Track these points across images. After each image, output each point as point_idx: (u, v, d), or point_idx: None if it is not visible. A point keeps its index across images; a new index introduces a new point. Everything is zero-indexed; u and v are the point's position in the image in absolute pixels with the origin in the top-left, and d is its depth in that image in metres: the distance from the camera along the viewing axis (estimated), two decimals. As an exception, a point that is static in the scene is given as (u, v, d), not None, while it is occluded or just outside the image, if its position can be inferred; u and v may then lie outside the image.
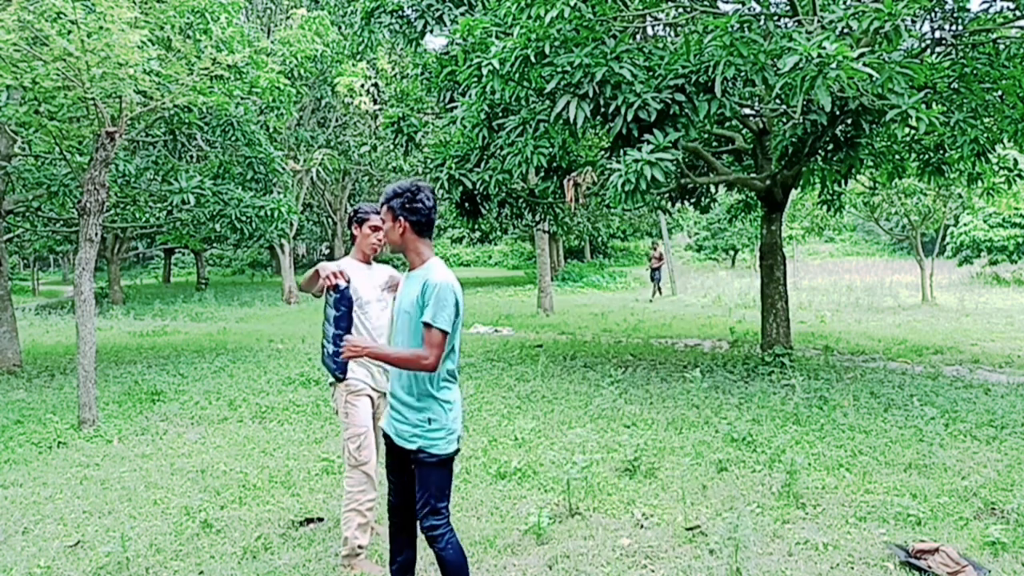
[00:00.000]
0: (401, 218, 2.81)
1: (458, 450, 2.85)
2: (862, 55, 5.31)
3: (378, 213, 3.70)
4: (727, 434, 5.53)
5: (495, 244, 43.38)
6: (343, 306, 3.37)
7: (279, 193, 11.17)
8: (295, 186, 19.57)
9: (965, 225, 23.80)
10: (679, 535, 3.83)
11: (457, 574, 2.77)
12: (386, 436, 2.94)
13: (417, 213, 2.81)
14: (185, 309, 19.67)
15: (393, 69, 12.63)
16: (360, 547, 3.50)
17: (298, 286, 3.74)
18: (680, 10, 7.20)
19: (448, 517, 2.81)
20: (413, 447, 2.78)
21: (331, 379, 3.64)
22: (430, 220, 2.84)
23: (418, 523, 2.83)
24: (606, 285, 28.00)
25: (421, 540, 2.95)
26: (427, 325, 2.68)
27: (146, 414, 6.82)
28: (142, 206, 10.48)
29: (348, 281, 3.43)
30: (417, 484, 2.82)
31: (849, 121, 7.34)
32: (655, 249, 21.40)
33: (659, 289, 21.33)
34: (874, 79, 5.24)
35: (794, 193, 12.29)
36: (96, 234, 6.41)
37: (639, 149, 5.94)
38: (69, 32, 5.71)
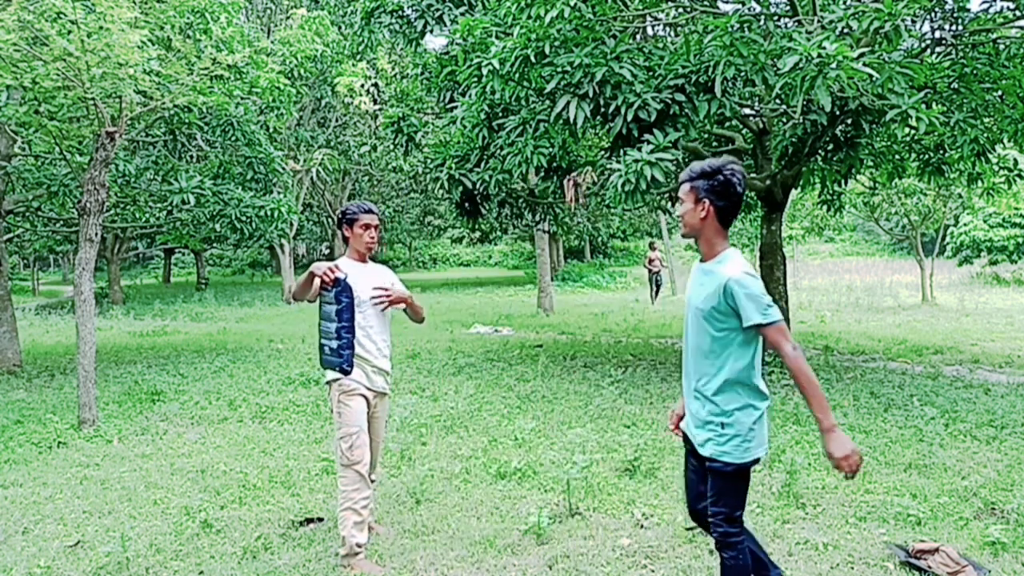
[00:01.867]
0: (707, 201, 2.54)
1: (757, 459, 2.57)
2: (862, 55, 5.31)
3: (368, 212, 3.70)
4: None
5: (495, 244, 43.40)
6: (345, 297, 3.38)
7: (279, 193, 11.17)
8: (295, 186, 19.57)
9: (965, 225, 23.79)
10: (679, 535, 3.83)
11: None
12: (685, 437, 2.78)
13: (727, 198, 2.53)
14: (185, 309, 19.67)
15: (393, 69, 12.63)
16: (358, 545, 3.50)
17: (291, 294, 3.70)
18: (680, 10, 7.19)
19: (743, 526, 2.62)
20: (705, 453, 2.59)
21: (327, 379, 3.66)
22: (738, 207, 2.57)
23: (710, 524, 2.65)
24: (606, 285, 28.01)
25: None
26: (758, 326, 2.45)
27: (146, 414, 6.82)
28: (142, 206, 10.48)
29: (345, 275, 3.45)
30: (709, 488, 2.64)
31: (849, 121, 7.33)
32: (653, 250, 19.96)
33: (655, 290, 19.57)
34: (874, 79, 5.24)
35: (794, 193, 12.29)
36: (96, 234, 6.41)
37: (639, 149, 5.94)
38: (69, 32, 5.71)
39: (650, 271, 19.53)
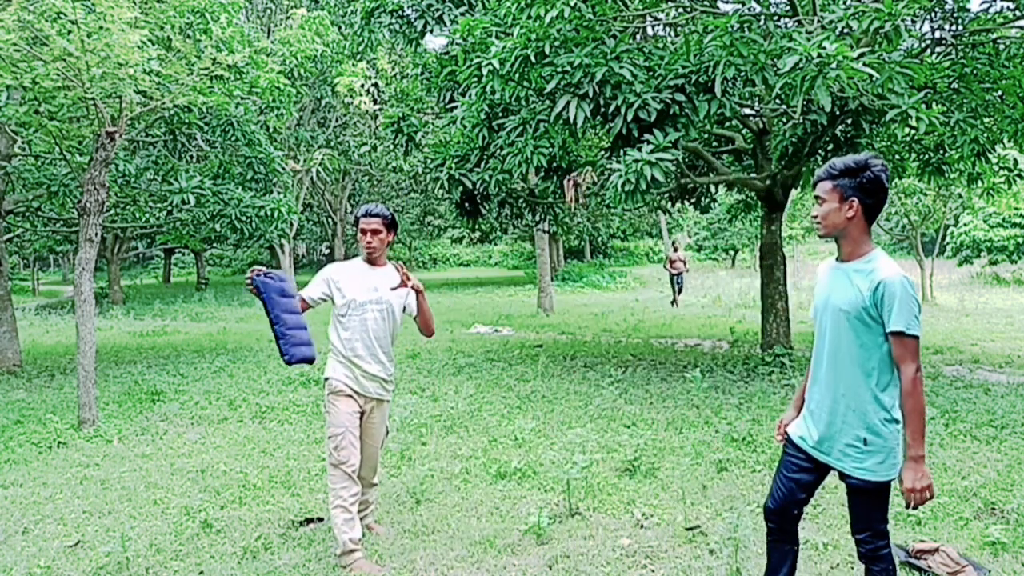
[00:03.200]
0: (855, 199, 2.42)
1: (897, 477, 2.47)
2: (862, 55, 5.32)
3: (366, 215, 3.68)
4: (727, 434, 5.53)
5: (495, 244, 43.40)
6: (261, 293, 3.46)
7: (279, 193, 11.17)
8: (295, 186, 19.57)
9: (965, 225, 23.79)
10: (679, 535, 3.83)
11: None
12: (792, 443, 2.69)
13: (875, 195, 2.42)
14: (185, 309, 19.67)
15: (393, 69, 12.63)
16: (352, 541, 3.50)
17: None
18: (680, 10, 7.20)
19: (889, 537, 2.56)
20: (845, 471, 2.49)
21: (324, 377, 3.69)
22: (883, 204, 2.47)
23: (857, 540, 2.56)
24: (606, 285, 27.99)
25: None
26: (900, 334, 2.33)
27: (146, 414, 6.82)
28: (142, 206, 10.48)
29: (261, 273, 3.47)
30: (850, 506, 2.57)
31: (849, 121, 7.34)
32: (676, 249, 18.80)
33: (678, 293, 18.44)
34: (874, 79, 5.24)
35: (794, 193, 12.30)
36: (96, 234, 6.41)
37: (639, 149, 5.94)
38: (69, 32, 5.71)
39: (672, 272, 18.41)
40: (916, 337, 2.35)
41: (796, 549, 2.78)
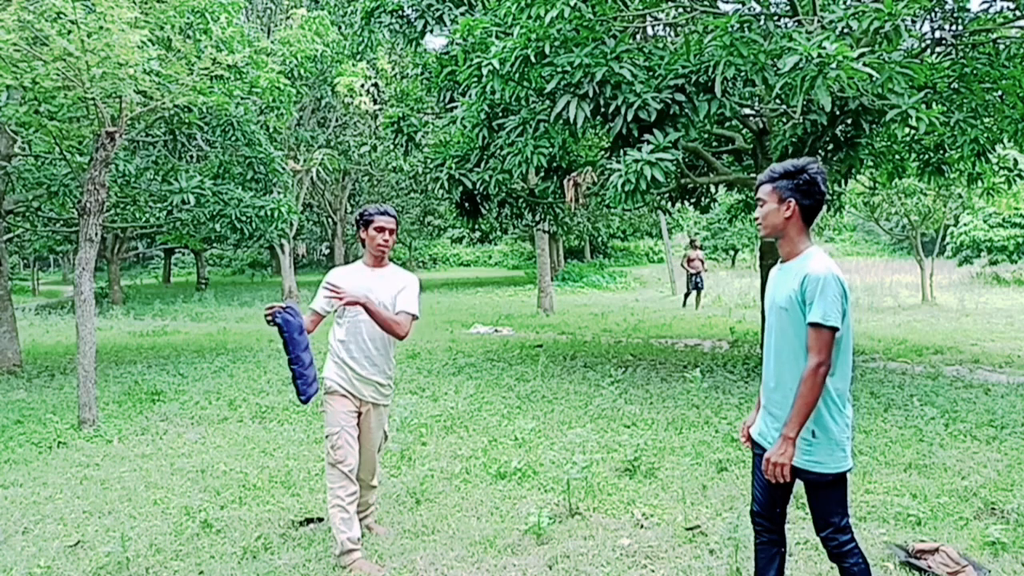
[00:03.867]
0: (792, 200, 2.53)
1: (850, 468, 2.55)
2: (862, 55, 5.31)
3: (384, 214, 3.68)
4: (727, 434, 5.53)
5: (495, 244, 43.37)
6: (284, 332, 3.40)
7: (279, 193, 11.16)
8: (295, 186, 19.56)
9: (965, 225, 23.78)
10: (679, 535, 3.83)
11: None
12: (756, 444, 2.74)
13: (812, 196, 2.53)
14: (185, 309, 19.66)
15: (393, 69, 12.63)
16: (350, 540, 3.50)
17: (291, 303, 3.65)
18: (680, 10, 7.20)
19: (852, 531, 2.58)
20: (796, 464, 2.51)
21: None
22: (821, 206, 2.57)
23: (823, 543, 2.60)
24: (606, 285, 27.99)
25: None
26: (816, 325, 2.40)
27: (146, 414, 6.82)
28: (142, 206, 10.48)
29: (284, 308, 3.42)
30: (809, 503, 2.61)
31: (849, 121, 7.33)
32: (694, 248, 17.76)
33: (695, 295, 17.60)
34: (874, 79, 5.24)
35: (794, 193, 12.26)
36: (96, 234, 6.41)
37: (639, 149, 5.94)
38: (69, 32, 5.71)
39: (690, 271, 17.49)
40: (832, 330, 2.40)
41: (783, 551, 2.79)
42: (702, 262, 17.62)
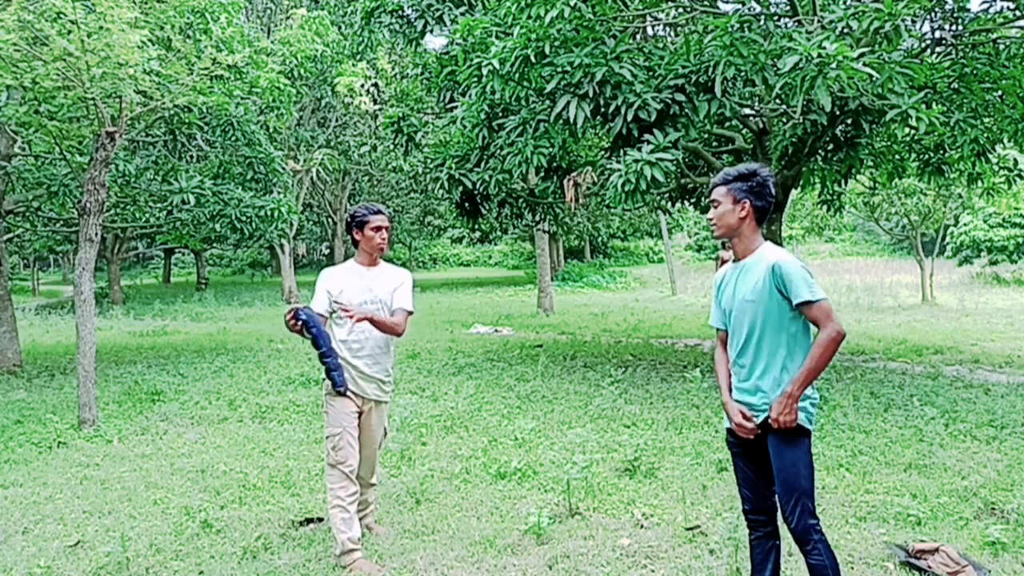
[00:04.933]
0: (746, 201, 2.70)
1: (811, 431, 2.67)
2: (862, 55, 5.31)
3: (377, 213, 3.67)
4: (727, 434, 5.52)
5: (495, 244, 43.39)
6: (311, 331, 3.39)
7: (279, 193, 11.18)
8: (295, 186, 19.57)
9: (965, 225, 23.80)
10: (679, 535, 3.83)
11: None
12: (734, 437, 2.80)
13: (763, 198, 2.71)
14: (185, 309, 19.67)
15: (393, 69, 12.64)
16: (351, 540, 3.50)
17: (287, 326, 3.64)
18: (680, 10, 7.20)
19: (818, 518, 2.64)
20: (770, 421, 2.61)
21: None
22: (771, 207, 2.75)
23: (788, 523, 2.63)
24: (606, 285, 28.01)
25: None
26: (808, 303, 2.55)
27: (146, 414, 6.82)
28: (142, 206, 10.49)
29: (304, 307, 3.41)
30: (778, 480, 2.64)
31: (849, 121, 7.34)
32: (727, 251, 18.88)
33: None
34: (874, 79, 5.24)
35: (794, 193, 12.29)
36: (96, 234, 6.41)
37: (639, 149, 5.94)
38: (69, 32, 5.71)
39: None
40: (823, 299, 2.56)
41: (778, 543, 2.86)
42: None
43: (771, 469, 2.71)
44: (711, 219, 2.79)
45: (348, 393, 3.60)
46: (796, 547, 2.74)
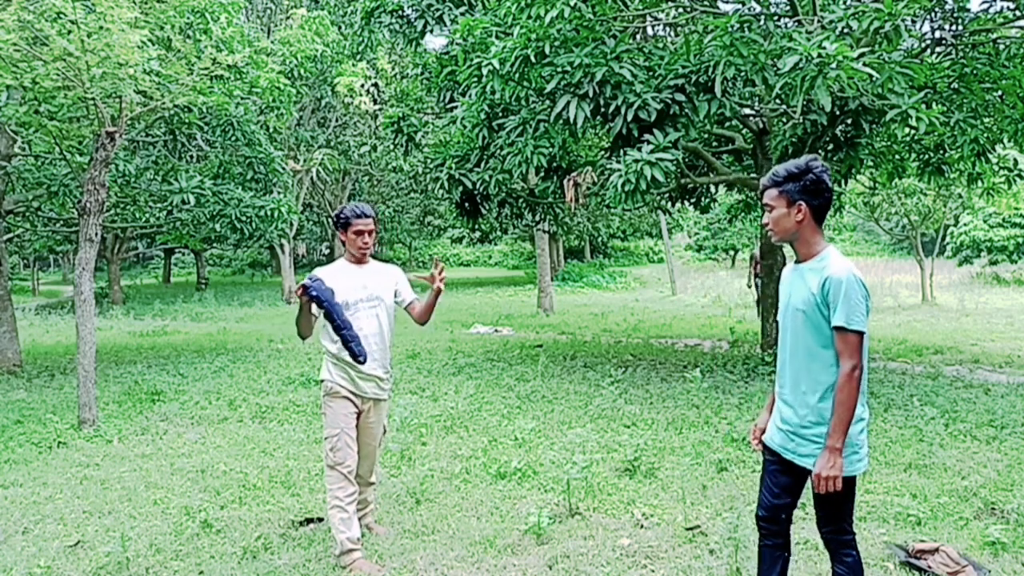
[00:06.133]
0: (801, 203, 2.46)
1: (864, 471, 2.50)
2: (862, 55, 5.31)
3: (360, 216, 3.63)
4: (727, 434, 5.53)
5: (495, 244, 43.38)
6: (324, 302, 3.39)
7: (279, 193, 11.17)
8: (295, 186, 19.56)
9: (965, 225, 23.80)
10: (679, 535, 3.83)
11: None
12: (768, 448, 2.67)
13: (820, 195, 2.46)
14: (185, 309, 19.67)
15: (393, 69, 12.63)
16: (350, 540, 3.50)
17: (300, 334, 3.66)
18: (680, 10, 7.20)
19: (855, 535, 2.57)
20: (808, 466, 2.47)
21: (320, 378, 3.69)
22: (830, 203, 2.50)
23: (823, 533, 2.59)
24: (606, 285, 28.01)
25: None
26: (841, 329, 2.36)
27: (146, 414, 6.82)
28: (142, 206, 10.48)
29: (314, 280, 3.42)
30: (816, 504, 2.55)
31: (849, 121, 7.33)
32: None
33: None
34: (874, 79, 5.24)
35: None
36: (96, 234, 6.41)
37: (639, 149, 5.94)
38: (69, 32, 5.71)
39: (760, 275, 18.08)
40: (859, 333, 2.37)
41: (787, 555, 2.75)
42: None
43: (797, 488, 2.60)
44: (766, 224, 2.58)
45: (348, 393, 3.60)
46: (798, 552, 2.74)
